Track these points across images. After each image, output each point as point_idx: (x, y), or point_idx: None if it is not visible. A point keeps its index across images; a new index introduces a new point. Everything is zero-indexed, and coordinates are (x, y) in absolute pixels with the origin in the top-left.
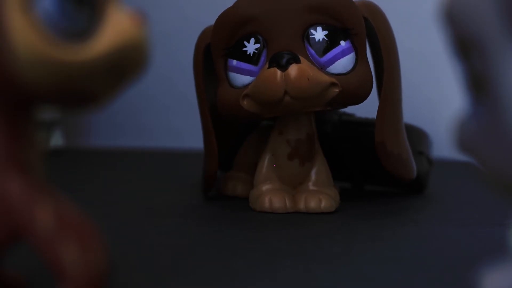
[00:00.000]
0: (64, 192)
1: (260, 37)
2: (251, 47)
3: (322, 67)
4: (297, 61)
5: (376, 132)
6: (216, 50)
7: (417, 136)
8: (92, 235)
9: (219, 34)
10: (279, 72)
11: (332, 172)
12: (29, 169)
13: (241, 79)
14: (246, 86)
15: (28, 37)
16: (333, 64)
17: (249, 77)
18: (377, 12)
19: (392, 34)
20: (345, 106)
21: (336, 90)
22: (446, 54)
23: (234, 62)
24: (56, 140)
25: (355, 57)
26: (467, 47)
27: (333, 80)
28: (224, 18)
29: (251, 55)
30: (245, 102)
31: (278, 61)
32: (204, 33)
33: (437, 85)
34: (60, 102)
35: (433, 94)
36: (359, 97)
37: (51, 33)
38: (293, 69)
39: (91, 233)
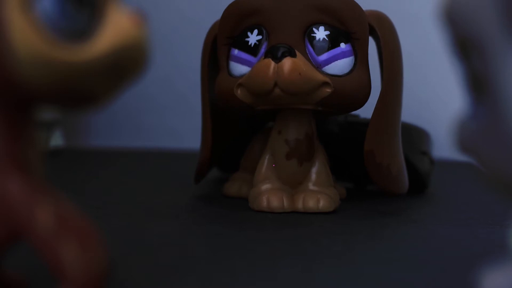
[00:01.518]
0: (64, 192)
1: (263, 29)
2: (253, 38)
3: (318, 66)
4: (293, 55)
5: (366, 141)
6: (221, 38)
7: (420, 136)
8: (91, 235)
9: (225, 23)
10: (272, 63)
11: (336, 172)
12: (29, 169)
13: (239, 69)
14: (243, 75)
15: (28, 37)
16: (330, 65)
17: (247, 67)
18: (386, 23)
19: (398, 47)
20: (338, 110)
21: (328, 90)
22: (446, 54)
23: (236, 51)
24: (56, 140)
25: (354, 62)
26: (466, 47)
27: (326, 79)
28: (232, 7)
29: (252, 46)
30: (239, 91)
31: (273, 53)
32: (215, 24)
33: (436, 85)
34: (60, 102)
35: (433, 94)
36: (353, 102)
37: (51, 33)
38: (286, 62)
39: (91, 233)
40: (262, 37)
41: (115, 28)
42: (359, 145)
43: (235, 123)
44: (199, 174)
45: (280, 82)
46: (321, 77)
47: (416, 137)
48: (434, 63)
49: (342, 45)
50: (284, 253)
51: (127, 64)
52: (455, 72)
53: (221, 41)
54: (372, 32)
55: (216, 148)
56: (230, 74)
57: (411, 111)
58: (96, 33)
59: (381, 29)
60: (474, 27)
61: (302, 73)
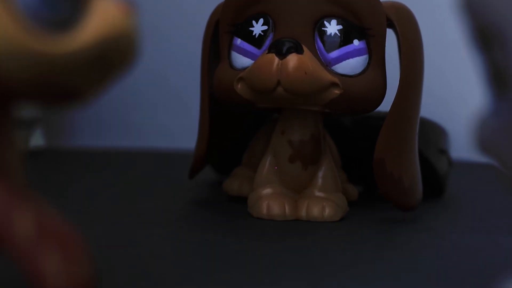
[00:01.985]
0: (45, 196)
1: (270, 19)
2: (258, 28)
3: (328, 64)
4: (299, 51)
5: (377, 148)
6: (223, 25)
7: (438, 132)
8: (75, 244)
9: (228, 8)
10: (276, 60)
11: (347, 172)
12: (7, 172)
13: (241, 61)
14: (245, 69)
15: (5, 27)
16: (340, 63)
17: (250, 59)
18: (407, 17)
19: (419, 44)
20: (349, 113)
21: (337, 91)
22: (465, 46)
23: (238, 41)
24: (37, 140)
25: (367, 60)
26: (488, 37)
27: (335, 80)
28: None
29: (257, 36)
30: (239, 86)
31: (278, 48)
32: (218, 7)
33: (454, 80)
34: (41, 99)
35: (450, 89)
36: (364, 105)
37: (31, 23)
38: (291, 59)
39: (75, 241)
40: (268, 27)
41: (101, 17)
42: (373, 142)
43: (237, 120)
44: (193, 170)
45: (283, 80)
46: (329, 77)
47: (432, 133)
48: (451, 55)
49: (356, 42)
50: (288, 265)
51: (114, 56)
52: (474, 65)
53: (223, 28)
54: (392, 26)
55: (214, 144)
56: (231, 65)
57: (425, 107)
58: (80, 22)
59: (400, 23)
60: (496, 16)
61: (308, 72)
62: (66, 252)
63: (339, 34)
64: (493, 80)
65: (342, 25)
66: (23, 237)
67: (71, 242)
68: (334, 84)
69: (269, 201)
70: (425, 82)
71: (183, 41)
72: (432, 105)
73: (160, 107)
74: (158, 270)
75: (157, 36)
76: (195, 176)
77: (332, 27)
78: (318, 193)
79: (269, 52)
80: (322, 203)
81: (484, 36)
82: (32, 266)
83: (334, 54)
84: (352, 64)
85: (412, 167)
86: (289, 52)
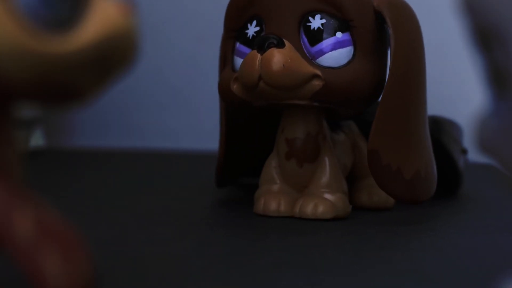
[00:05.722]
0: (45, 196)
1: (262, 20)
2: (251, 30)
3: (312, 58)
4: (280, 45)
5: (370, 139)
6: (225, 31)
7: (461, 134)
8: (76, 244)
9: (229, 15)
10: (258, 55)
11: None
12: (7, 172)
13: (239, 63)
14: None
15: (5, 27)
16: (324, 56)
17: None
18: (398, 7)
19: (414, 35)
20: (340, 105)
21: (319, 83)
22: (465, 46)
23: (237, 44)
24: (37, 140)
25: (353, 52)
26: (488, 38)
27: (316, 72)
28: None
29: (251, 38)
30: (234, 86)
31: (259, 44)
32: None
33: (455, 80)
34: (41, 98)
35: (451, 89)
36: (350, 96)
37: (31, 23)
38: (269, 54)
39: (75, 242)
40: (260, 28)
41: (101, 17)
42: None
43: (256, 130)
44: (217, 178)
45: (263, 75)
46: (309, 69)
47: (457, 132)
48: (452, 55)
49: (338, 34)
50: (288, 264)
51: (114, 56)
52: (474, 65)
53: (226, 34)
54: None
55: (234, 155)
56: (233, 69)
57: (428, 107)
58: (81, 22)
59: (389, 14)
60: (496, 16)
61: (286, 65)
62: (66, 252)
63: (322, 28)
64: (493, 80)
65: (325, 19)
66: (23, 237)
67: (71, 242)
68: (315, 76)
69: (267, 198)
70: (430, 83)
71: (183, 41)
72: (436, 104)
73: (161, 107)
74: (158, 270)
75: (157, 36)
76: (224, 186)
77: (316, 22)
78: (315, 191)
79: (253, 49)
80: (314, 201)
81: (484, 36)
82: (32, 266)
83: (317, 47)
84: (336, 56)
85: (416, 159)
86: (269, 47)
